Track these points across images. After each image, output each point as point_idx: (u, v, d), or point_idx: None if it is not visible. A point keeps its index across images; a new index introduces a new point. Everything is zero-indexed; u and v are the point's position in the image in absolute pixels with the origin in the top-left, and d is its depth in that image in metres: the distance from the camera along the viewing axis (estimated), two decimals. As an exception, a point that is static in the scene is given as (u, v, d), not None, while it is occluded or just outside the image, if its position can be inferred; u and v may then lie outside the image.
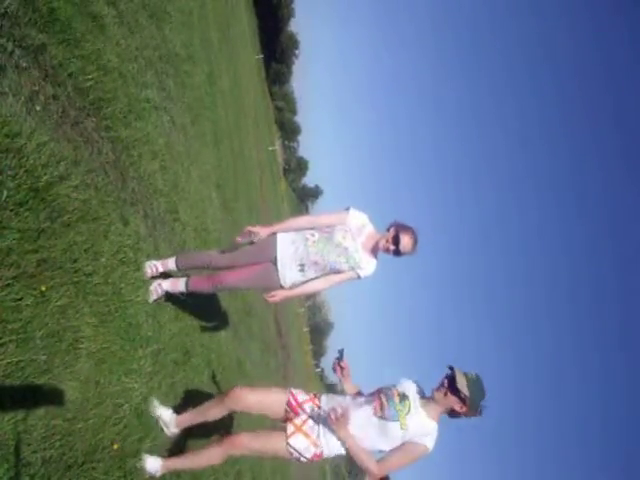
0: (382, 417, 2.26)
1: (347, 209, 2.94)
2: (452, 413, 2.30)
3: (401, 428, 2.24)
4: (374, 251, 2.90)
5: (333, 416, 2.18)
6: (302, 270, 2.89)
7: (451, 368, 2.30)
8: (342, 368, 2.55)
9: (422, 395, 2.37)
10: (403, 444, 2.26)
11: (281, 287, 2.94)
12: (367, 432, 2.28)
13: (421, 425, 2.26)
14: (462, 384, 2.21)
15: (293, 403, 2.41)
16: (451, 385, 2.25)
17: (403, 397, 2.32)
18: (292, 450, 2.30)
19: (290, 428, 2.34)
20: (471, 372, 2.28)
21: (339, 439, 2.27)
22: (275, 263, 2.90)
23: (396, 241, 2.76)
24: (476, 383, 2.24)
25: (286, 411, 2.41)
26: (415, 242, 2.80)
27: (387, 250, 2.81)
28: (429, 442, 2.26)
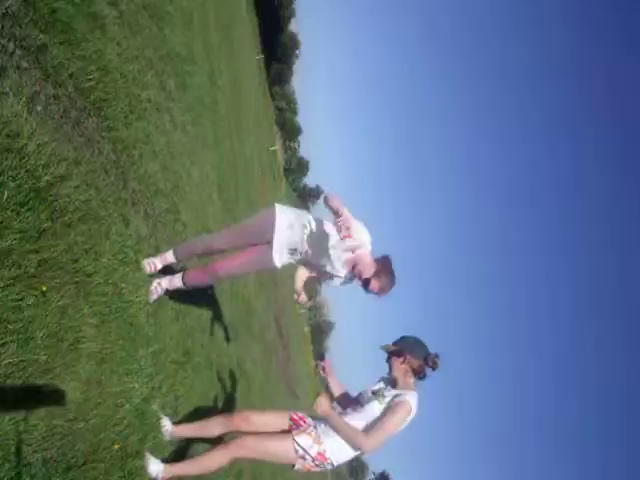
0: (361, 405, 2.48)
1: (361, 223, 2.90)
2: (415, 372, 2.54)
3: (379, 403, 2.43)
4: (352, 271, 2.92)
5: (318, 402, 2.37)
6: (292, 254, 2.97)
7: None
8: (324, 368, 2.73)
9: (391, 383, 2.57)
10: (387, 408, 2.40)
11: (275, 268, 2.99)
12: (354, 423, 2.41)
13: (398, 393, 2.46)
14: (390, 348, 2.61)
15: (295, 417, 2.55)
16: (387, 356, 2.63)
17: (376, 391, 2.53)
18: (298, 447, 2.37)
19: (295, 431, 2.45)
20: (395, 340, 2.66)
21: (323, 416, 2.38)
22: (270, 244, 2.92)
23: (365, 283, 2.84)
24: (399, 339, 2.62)
25: (290, 425, 2.53)
26: (381, 292, 2.86)
27: (358, 279, 2.90)
28: (411, 400, 2.40)
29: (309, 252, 2.93)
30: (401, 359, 2.54)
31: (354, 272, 2.89)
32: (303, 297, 3.34)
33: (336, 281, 3.03)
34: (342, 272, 2.95)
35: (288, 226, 2.92)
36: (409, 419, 2.39)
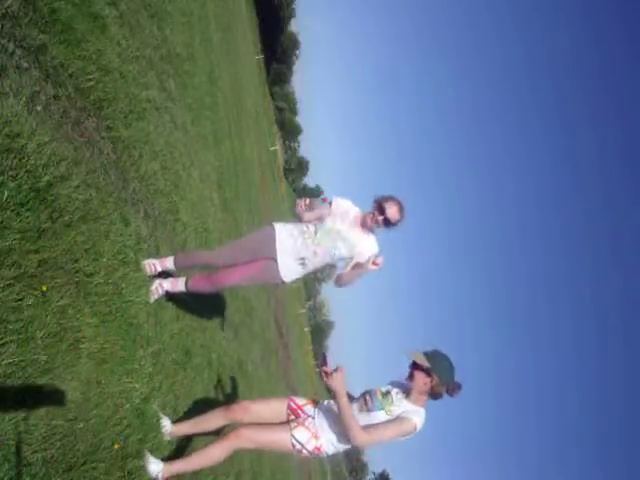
0: (367, 410, 2.40)
1: (330, 202, 3.04)
2: (433, 393, 2.41)
3: (386, 414, 2.36)
4: (365, 228, 2.96)
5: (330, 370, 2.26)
6: (303, 264, 2.96)
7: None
8: (327, 373, 2.48)
9: (404, 391, 2.48)
10: (391, 419, 2.35)
11: (282, 282, 3.01)
12: None
13: (407, 409, 2.37)
14: (421, 359, 2.39)
15: (294, 406, 2.54)
16: (414, 365, 2.43)
17: (385, 393, 2.45)
18: (295, 442, 2.39)
19: (293, 423, 2.46)
20: (428, 350, 2.45)
21: (333, 392, 2.29)
22: (275, 259, 2.93)
23: (382, 211, 2.84)
24: (433, 354, 2.42)
25: (288, 414, 2.53)
26: (401, 209, 2.87)
27: (376, 222, 2.88)
28: (417, 420, 2.34)
29: (317, 251, 2.92)
30: (429, 379, 2.39)
31: (368, 223, 2.91)
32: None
33: (365, 255, 2.90)
34: (358, 243, 2.92)
35: (289, 235, 2.94)
36: (410, 436, 2.35)
